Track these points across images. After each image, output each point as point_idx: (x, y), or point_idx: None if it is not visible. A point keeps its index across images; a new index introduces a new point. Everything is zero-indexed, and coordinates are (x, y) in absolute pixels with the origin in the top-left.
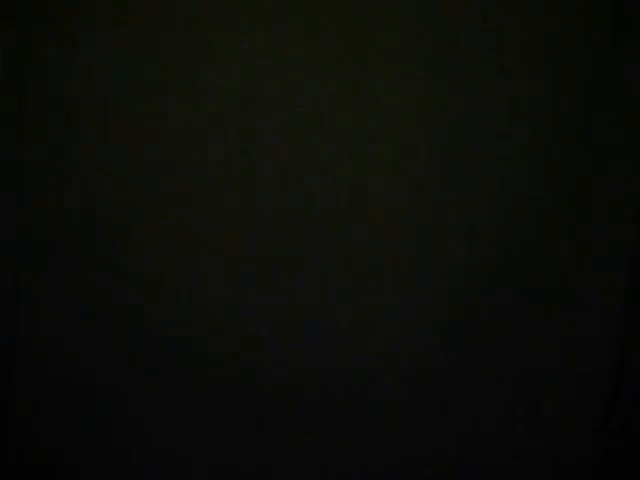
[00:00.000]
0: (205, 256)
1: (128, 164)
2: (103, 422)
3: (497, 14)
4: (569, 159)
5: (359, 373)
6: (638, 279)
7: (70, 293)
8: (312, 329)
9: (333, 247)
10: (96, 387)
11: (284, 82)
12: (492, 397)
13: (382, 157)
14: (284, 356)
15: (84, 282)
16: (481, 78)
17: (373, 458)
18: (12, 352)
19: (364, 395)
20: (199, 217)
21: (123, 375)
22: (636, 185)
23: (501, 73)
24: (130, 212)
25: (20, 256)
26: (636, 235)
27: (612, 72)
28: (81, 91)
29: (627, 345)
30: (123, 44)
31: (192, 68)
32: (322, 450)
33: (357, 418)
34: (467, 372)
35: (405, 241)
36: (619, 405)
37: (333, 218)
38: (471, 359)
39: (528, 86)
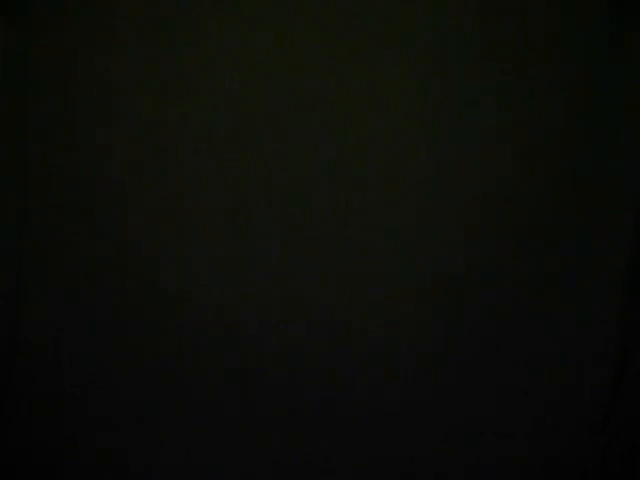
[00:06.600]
0: (205, 257)
1: (128, 164)
2: (103, 422)
3: (496, 15)
4: (569, 159)
5: (359, 373)
6: (638, 279)
7: (70, 293)
8: (311, 331)
9: (333, 251)
10: (96, 387)
11: (284, 85)
12: (492, 398)
13: (382, 161)
14: (284, 357)
15: (84, 282)
16: (481, 79)
17: (372, 458)
18: (13, 352)
19: (364, 395)
20: (199, 218)
21: (123, 375)
22: (636, 185)
23: (501, 73)
24: (130, 213)
25: (20, 256)
26: (636, 235)
27: (612, 72)
28: (81, 91)
29: (627, 345)
30: (123, 45)
31: (191, 69)
32: (321, 450)
33: (357, 418)
34: (467, 373)
35: (405, 245)
36: (619, 405)
37: (332, 222)
38: (471, 360)
39: (528, 87)
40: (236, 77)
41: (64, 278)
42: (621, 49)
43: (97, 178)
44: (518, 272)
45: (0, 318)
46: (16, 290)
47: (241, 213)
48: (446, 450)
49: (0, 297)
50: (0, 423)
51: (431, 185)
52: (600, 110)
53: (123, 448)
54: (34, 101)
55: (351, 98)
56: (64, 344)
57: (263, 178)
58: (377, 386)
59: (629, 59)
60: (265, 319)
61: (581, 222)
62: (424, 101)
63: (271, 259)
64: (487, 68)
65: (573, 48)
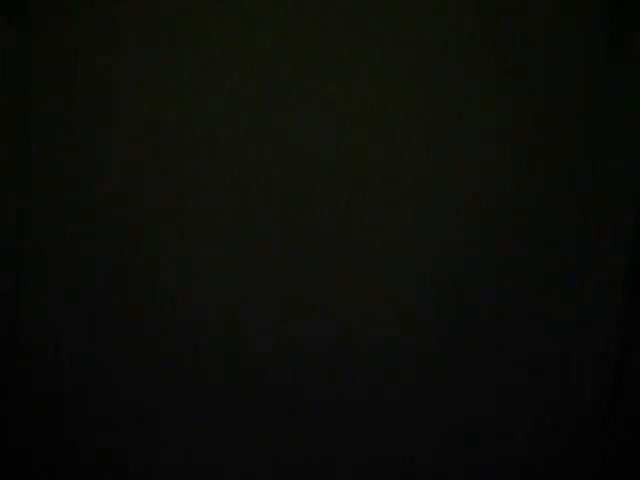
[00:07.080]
0: (204, 257)
1: (128, 164)
2: (103, 422)
3: (496, 15)
4: (569, 160)
5: (359, 373)
6: (638, 279)
7: (70, 293)
8: (311, 331)
9: (333, 251)
10: (96, 387)
11: (284, 85)
12: (492, 398)
13: (382, 161)
14: (284, 357)
15: (84, 282)
16: (481, 79)
17: (372, 458)
18: (13, 352)
19: (364, 395)
20: (199, 218)
21: (123, 375)
22: (636, 185)
23: (501, 73)
24: (130, 212)
25: (20, 256)
26: (636, 235)
27: (612, 72)
28: (81, 91)
29: (627, 345)
30: (123, 45)
31: (191, 69)
32: (321, 450)
33: (357, 418)
34: (467, 373)
35: (405, 245)
36: (619, 405)
37: (332, 222)
38: (471, 360)
39: (528, 87)
40: (236, 77)
41: (64, 278)
42: (621, 49)
43: (97, 178)
44: (518, 272)
45: (0, 318)
46: (16, 290)
47: (241, 213)
48: (446, 450)
49: (0, 297)
50: (0, 423)
51: (431, 185)
52: (600, 110)
53: (123, 448)
54: (34, 101)
55: (351, 98)
56: (64, 344)
57: (263, 178)
58: (377, 386)
59: (629, 59)
60: (265, 319)
61: (581, 222)
62: (424, 101)
63: (271, 259)
64: (487, 68)
65: (573, 48)
